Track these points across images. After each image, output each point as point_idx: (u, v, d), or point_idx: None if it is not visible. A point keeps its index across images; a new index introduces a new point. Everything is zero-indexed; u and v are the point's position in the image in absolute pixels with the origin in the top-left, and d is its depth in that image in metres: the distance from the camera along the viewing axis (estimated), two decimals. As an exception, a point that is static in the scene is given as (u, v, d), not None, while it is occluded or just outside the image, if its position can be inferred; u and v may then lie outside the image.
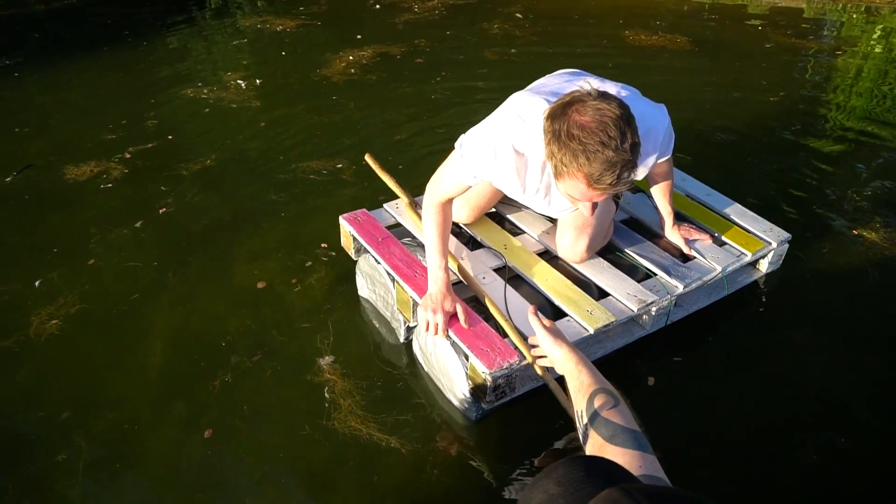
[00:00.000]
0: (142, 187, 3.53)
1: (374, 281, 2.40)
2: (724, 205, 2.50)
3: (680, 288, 2.09)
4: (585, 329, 1.95)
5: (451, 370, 1.99)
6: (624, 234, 2.35)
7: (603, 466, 0.69)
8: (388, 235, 2.40)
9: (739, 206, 2.50)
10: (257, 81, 4.94)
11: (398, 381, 2.23)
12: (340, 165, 3.61)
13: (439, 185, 2.04)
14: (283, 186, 3.44)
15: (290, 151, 3.82)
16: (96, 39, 6.12)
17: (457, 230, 2.46)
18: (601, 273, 2.17)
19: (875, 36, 5.63)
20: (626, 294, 2.06)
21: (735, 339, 2.38)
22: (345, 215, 2.53)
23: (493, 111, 2.03)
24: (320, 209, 3.22)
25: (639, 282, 2.14)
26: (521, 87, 2.18)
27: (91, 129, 4.27)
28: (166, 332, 2.52)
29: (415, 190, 2.63)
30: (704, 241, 2.27)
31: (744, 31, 5.70)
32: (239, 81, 4.91)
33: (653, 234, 2.37)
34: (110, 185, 3.58)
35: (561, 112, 1.54)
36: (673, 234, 2.27)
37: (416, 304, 2.10)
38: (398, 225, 2.55)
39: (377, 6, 6.75)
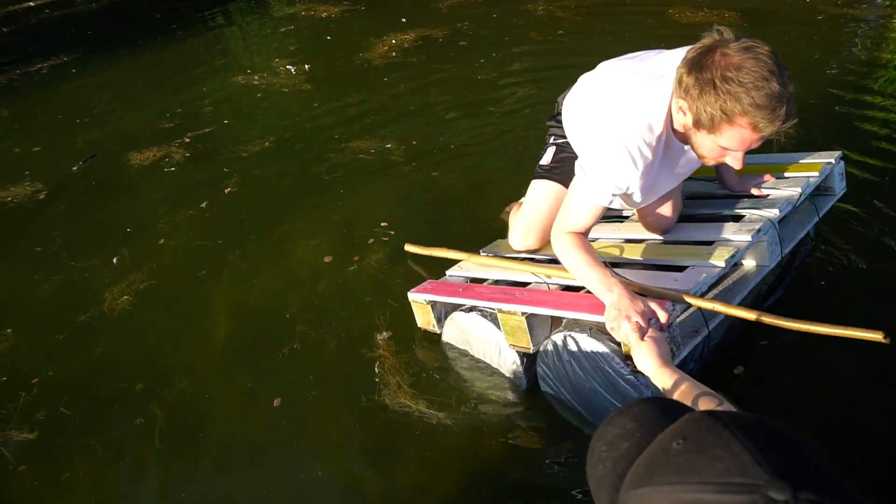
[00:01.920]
0: (204, 169, 3.63)
1: (471, 342, 2.16)
2: (763, 159, 2.38)
3: (776, 212, 1.97)
4: (716, 266, 1.79)
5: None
6: (693, 205, 2.24)
7: (679, 407, 0.67)
8: (467, 285, 2.17)
9: (777, 154, 2.38)
10: (306, 66, 5.00)
11: (452, 360, 2.23)
12: (389, 145, 3.65)
13: (569, 219, 1.79)
14: (336, 167, 3.48)
15: (341, 132, 3.86)
16: (145, 34, 6.27)
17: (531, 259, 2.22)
18: (694, 231, 2.04)
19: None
20: (731, 234, 1.92)
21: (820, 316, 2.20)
22: (413, 290, 2.24)
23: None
24: (374, 188, 3.26)
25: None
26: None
27: (148, 118, 4.39)
28: (229, 306, 2.59)
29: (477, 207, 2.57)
30: (769, 180, 2.17)
31: (795, 3, 5.54)
32: (288, 67, 4.98)
33: (718, 197, 2.25)
34: (174, 168, 3.69)
35: (704, 61, 1.44)
36: (739, 184, 2.17)
37: (532, 324, 1.87)
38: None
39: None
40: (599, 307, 1.69)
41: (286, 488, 1.87)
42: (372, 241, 2.82)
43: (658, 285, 1.76)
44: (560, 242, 1.78)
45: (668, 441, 0.56)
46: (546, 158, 2.19)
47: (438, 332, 2.25)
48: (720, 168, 2.17)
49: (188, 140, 3.97)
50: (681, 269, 1.85)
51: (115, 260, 2.94)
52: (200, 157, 3.78)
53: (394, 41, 5.25)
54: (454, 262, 2.37)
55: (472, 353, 2.19)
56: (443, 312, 2.22)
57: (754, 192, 2.14)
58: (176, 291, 2.71)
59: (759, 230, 1.90)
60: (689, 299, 1.69)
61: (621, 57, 1.99)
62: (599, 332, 1.74)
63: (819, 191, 2.23)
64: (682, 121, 1.60)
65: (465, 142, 3.60)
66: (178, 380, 2.28)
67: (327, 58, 5.21)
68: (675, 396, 1.22)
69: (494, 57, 4.76)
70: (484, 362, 2.14)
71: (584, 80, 2.05)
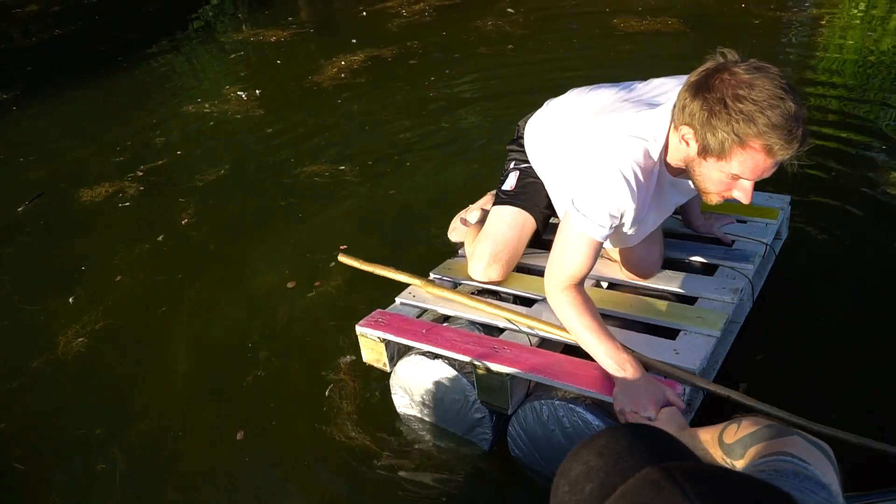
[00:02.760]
0: (160, 201, 3.54)
1: (431, 388, 1.90)
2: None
3: (751, 268, 1.96)
4: (712, 335, 1.71)
5: None
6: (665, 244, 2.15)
7: (649, 437, 0.61)
8: (431, 325, 1.92)
9: None
10: (257, 92, 4.94)
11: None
12: (343, 167, 3.61)
13: (565, 265, 1.61)
14: (292, 191, 3.44)
15: (295, 156, 3.81)
16: (90, 67, 6.11)
17: (494, 292, 2.06)
18: (672, 281, 1.95)
19: (854, 2, 5.61)
20: (715, 291, 1.87)
21: (797, 313, 2.23)
22: (361, 323, 1.96)
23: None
24: (332, 211, 3.22)
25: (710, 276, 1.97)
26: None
27: (97, 153, 4.26)
28: (191, 340, 2.52)
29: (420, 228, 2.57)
30: (731, 223, 2.16)
31: (729, 8, 5.67)
32: (239, 93, 4.91)
33: (685, 237, 2.19)
34: (128, 203, 3.59)
35: (712, 82, 1.34)
36: (705, 225, 2.12)
37: (512, 385, 1.69)
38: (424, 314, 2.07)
39: (364, 13, 6.75)
40: (604, 383, 1.57)
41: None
42: (332, 264, 2.78)
43: (654, 351, 1.67)
44: (560, 302, 1.60)
45: None
46: (509, 184, 2.03)
47: (389, 371, 1.99)
48: (691, 204, 2.07)
49: (141, 173, 3.87)
50: (669, 330, 1.77)
51: (70, 300, 2.84)
52: (155, 189, 3.69)
53: (343, 63, 5.22)
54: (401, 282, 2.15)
55: (426, 400, 1.94)
56: (396, 351, 1.97)
57: (720, 236, 2.09)
58: (134, 329, 2.62)
59: (741, 290, 1.86)
60: (698, 383, 1.60)
61: (597, 86, 1.86)
62: (597, 406, 1.63)
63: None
64: (685, 151, 1.47)
65: (421, 158, 3.60)
66: (138, 421, 2.19)
67: (278, 82, 5.16)
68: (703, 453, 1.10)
69: (445, 73, 4.78)
70: (441, 409, 1.93)
71: (553, 105, 1.93)
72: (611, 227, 1.57)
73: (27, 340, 2.65)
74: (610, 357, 1.52)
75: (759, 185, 2.31)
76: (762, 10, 5.42)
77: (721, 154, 1.36)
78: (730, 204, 2.13)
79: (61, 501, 1.97)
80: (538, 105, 2.05)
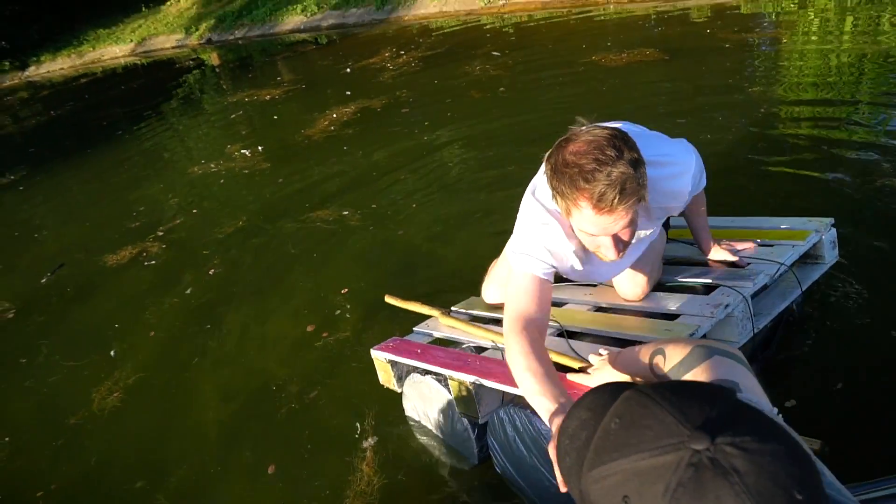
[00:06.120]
0: (184, 257, 3.67)
1: (427, 405, 2.07)
2: (752, 223, 2.26)
3: (750, 285, 1.85)
4: None
5: None
6: (669, 270, 2.12)
7: (625, 387, 0.69)
8: (427, 346, 2.10)
9: (767, 218, 2.26)
10: (259, 148, 5.12)
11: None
12: (346, 213, 3.76)
13: (512, 305, 1.59)
14: (305, 238, 3.57)
15: (308, 204, 3.95)
16: (89, 143, 6.28)
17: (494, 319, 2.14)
18: (663, 301, 1.93)
19: (810, 17, 5.85)
20: (697, 308, 1.82)
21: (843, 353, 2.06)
22: (376, 347, 2.15)
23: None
24: (339, 255, 3.35)
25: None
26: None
27: (113, 221, 4.39)
28: (218, 388, 2.60)
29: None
30: (750, 249, 2.05)
31: (695, 34, 5.89)
32: (243, 151, 5.10)
33: (697, 263, 2.13)
34: (153, 261, 3.72)
35: (556, 148, 1.45)
36: (717, 252, 2.05)
37: (479, 393, 1.78)
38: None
39: (348, 70, 6.99)
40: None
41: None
42: (349, 305, 2.90)
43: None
44: (509, 344, 1.52)
45: (608, 423, 0.63)
46: None
47: (399, 391, 2.16)
48: (696, 233, 2.07)
49: (161, 233, 4.00)
50: (638, 343, 1.73)
51: (112, 353, 2.94)
52: (177, 246, 3.81)
53: (335, 115, 5.40)
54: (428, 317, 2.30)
55: (427, 415, 2.08)
56: (403, 372, 2.12)
57: (733, 259, 2.02)
58: (164, 382, 2.71)
59: (725, 306, 1.79)
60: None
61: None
62: None
63: (808, 258, 2.08)
64: None
65: (423, 200, 3.72)
66: (176, 469, 2.27)
67: (277, 137, 5.34)
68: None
69: (439, 118, 4.95)
70: (441, 424, 2.04)
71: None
72: (550, 269, 1.60)
73: (66, 399, 2.75)
74: (547, 405, 1.37)
75: (801, 211, 2.22)
76: (727, 34, 5.63)
77: (566, 211, 1.46)
78: (758, 230, 2.17)
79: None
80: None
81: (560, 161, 1.41)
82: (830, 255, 2.10)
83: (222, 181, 4.65)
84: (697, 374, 0.99)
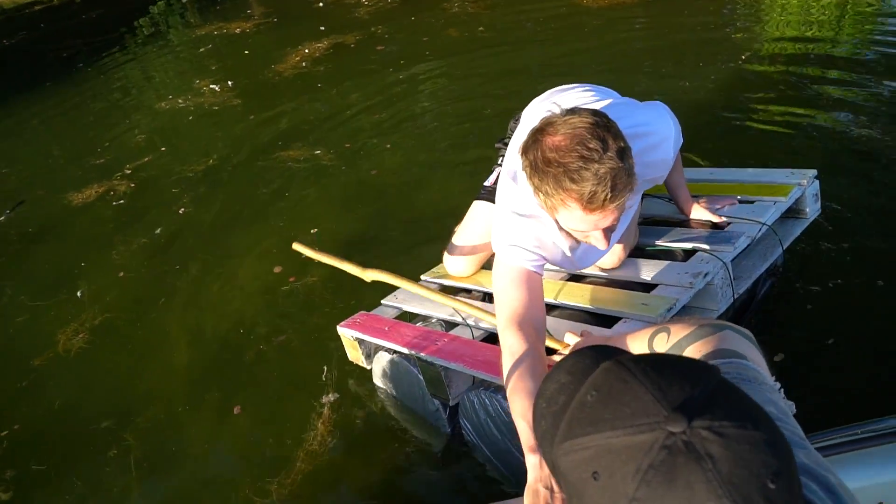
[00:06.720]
0: (154, 196, 3.57)
1: (396, 383, 2.01)
2: (732, 175, 2.17)
3: (731, 250, 1.77)
4: (650, 321, 1.61)
5: None
6: (647, 231, 2.01)
7: (610, 352, 0.67)
8: (394, 322, 2.01)
9: (746, 169, 2.17)
10: (229, 83, 4.96)
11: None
12: (318, 152, 3.66)
13: (503, 303, 1.48)
14: (278, 176, 3.49)
15: (282, 142, 3.84)
16: (48, 76, 5.99)
17: (467, 291, 2.04)
18: (641, 269, 1.83)
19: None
20: (675, 277, 1.73)
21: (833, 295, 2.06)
22: (343, 323, 2.07)
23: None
24: (310, 195, 3.28)
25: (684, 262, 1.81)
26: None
27: (76, 158, 4.22)
28: (186, 330, 2.57)
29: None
30: (731, 205, 1.96)
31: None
32: (212, 86, 4.93)
33: (675, 223, 2.02)
34: (122, 200, 3.61)
35: (532, 141, 1.32)
36: (697, 210, 1.94)
37: (449, 377, 1.73)
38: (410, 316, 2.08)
39: (321, 4, 6.72)
40: None
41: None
42: (317, 246, 2.86)
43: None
44: (503, 345, 1.41)
45: (584, 395, 0.60)
46: (490, 179, 2.00)
47: (368, 367, 2.10)
48: (673, 191, 1.95)
49: (128, 171, 3.87)
50: (614, 319, 1.71)
51: (79, 293, 2.88)
52: (146, 184, 3.70)
53: (307, 51, 5.21)
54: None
55: (398, 392, 2.03)
56: (371, 349, 2.04)
57: (713, 219, 1.92)
58: (132, 323, 2.67)
59: (704, 274, 1.70)
60: None
61: (571, 90, 1.77)
62: None
63: (790, 213, 1.99)
64: None
65: (397, 140, 3.64)
66: (144, 409, 2.26)
67: (248, 72, 5.16)
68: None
69: (415, 56, 4.79)
70: (411, 400, 1.98)
71: (525, 117, 1.82)
72: (537, 260, 1.51)
73: (31, 339, 2.70)
74: (524, 437, 1.26)
75: (782, 161, 2.23)
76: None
77: (549, 209, 1.35)
78: (740, 183, 2.06)
79: (83, 487, 2.03)
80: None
81: (540, 158, 1.29)
82: (813, 209, 2.02)
83: (191, 118, 4.50)
84: (701, 347, 0.94)
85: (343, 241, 2.83)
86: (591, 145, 1.25)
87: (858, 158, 2.68)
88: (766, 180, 2.03)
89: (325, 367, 2.21)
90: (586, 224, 1.34)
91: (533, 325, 1.41)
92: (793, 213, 2.00)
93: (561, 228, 1.42)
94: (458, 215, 2.08)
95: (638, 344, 1.07)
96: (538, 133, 1.32)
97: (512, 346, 1.38)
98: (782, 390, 0.86)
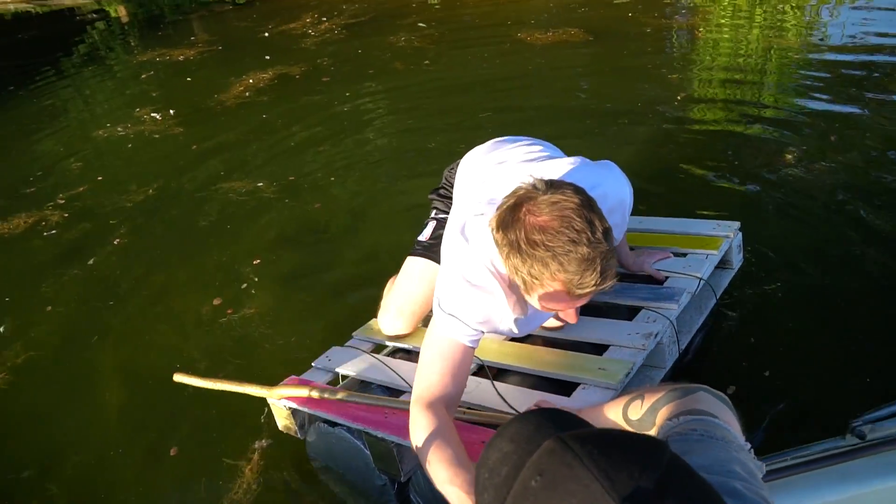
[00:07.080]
0: (89, 226, 3.44)
1: (337, 456, 1.85)
2: (661, 224, 2.22)
3: (675, 308, 1.77)
4: (611, 388, 1.59)
5: None
6: None
7: (555, 418, 0.65)
8: (332, 389, 1.84)
9: (674, 218, 2.25)
10: (171, 111, 4.88)
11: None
12: (261, 184, 3.61)
13: (428, 377, 1.42)
14: (220, 209, 3.42)
15: (224, 172, 3.78)
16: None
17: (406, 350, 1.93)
18: (586, 328, 1.80)
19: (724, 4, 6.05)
20: (626, 337, 1.71)
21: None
22: (275, 389, 1.86)
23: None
24: (251, 228, 3.23)
25: (630, 320, 1.80)
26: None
27: (4, 186, 4.04)
28: (119, 368, 2.47)
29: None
30: (666, 258, 1.99)
31: (619, 17, 5.95)
32: (153, 114, 4.83)
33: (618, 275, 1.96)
34: (53, 231, 3.47)
35: (511, 218, 1.25)
36: (636, 263, 1.95)
37: (401, 453, 1.63)
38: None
39: (266, 34, 6.70)
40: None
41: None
42: (257, 279, 2.81)
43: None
44: (416, 419, 1.36)
45: (528, 478, 0.58)
46: (424, 234, 1.92)
47: (301, 438, 1.90)
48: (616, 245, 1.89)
49: (62, 201, 3.72)
50: (571, 385, 1.64)
51: (1, 329, 2.74)
52: (81, 214, 3.56)
53: (252, 81, 5.19)
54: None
55: (337, 467, 1.88)
56: (306, 418, 1.87)
57: (651, 274, 1.93)
58: (60, 361, 2.54)
59: (655, 335, 1.69)
60: None
61: (508, 144, 1.75)
62: None
63: (718, 263, 2.04)
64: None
65: (341, 173, 3.63)
66: (73, 454, 2.14)
67: (191, 101, 5.07)
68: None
69: (360, 89, 4.83)
70: (351, 476, 1.84)
71: (466, 166, 1.78)
72: (476, 335, 1.44)
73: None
74: (454, 497, 1.24)
75: (706, 212, 2.38)
76: (648, 19, 5.73)
77: (527, 288, 1.29)
78: (671, 234, 2.12)
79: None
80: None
81: (524, 240, 1.22)
82: (737, 260, 2.11)
83: (130, 146, 4.39)
84: (673, 408, 0.94)
85: (285, 275, 2.80)
86: (578, 227, 1.20)
87: (782, 197, 2.82)
88: (695, 232, 2.10)
89: (266, 407, 2.16)
90: (566, 305, 1.31)
91: (445, 403, 1.38)
92: (721, 263, 2.06)
93: (518, 303, 1.39)
94: (400, 252, 2.04)
95: (613, 413, 1.07)
96: (516, 210, 1.25)
97: (421, 422, 1.35)
98: (752, 451, 0.85)
